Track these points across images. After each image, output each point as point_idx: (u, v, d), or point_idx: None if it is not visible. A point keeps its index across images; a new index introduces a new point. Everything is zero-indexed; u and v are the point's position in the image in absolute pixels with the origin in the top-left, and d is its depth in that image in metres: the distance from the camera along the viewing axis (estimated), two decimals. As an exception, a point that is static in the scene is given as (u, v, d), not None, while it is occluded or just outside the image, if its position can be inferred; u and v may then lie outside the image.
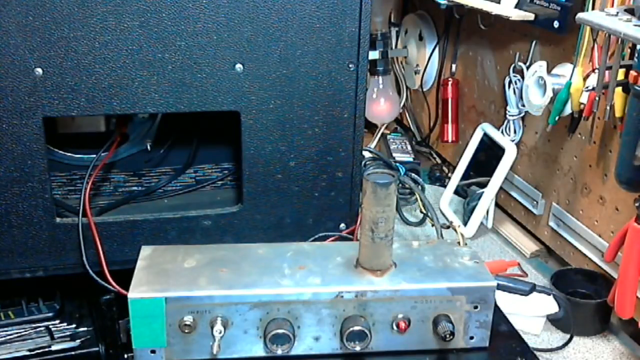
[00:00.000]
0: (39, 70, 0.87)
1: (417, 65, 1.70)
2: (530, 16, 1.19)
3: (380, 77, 1.68)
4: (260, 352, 0.82)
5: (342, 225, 1.06)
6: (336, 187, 1.03)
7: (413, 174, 1.44)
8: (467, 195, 1.41)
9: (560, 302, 1.07)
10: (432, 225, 1.21)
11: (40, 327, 0.94)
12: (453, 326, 0.82)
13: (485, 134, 1.40)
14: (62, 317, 0.96)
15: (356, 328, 0.80)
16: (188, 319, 0.78)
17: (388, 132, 1.75)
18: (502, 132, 1.36)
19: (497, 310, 0.86)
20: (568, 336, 1.07)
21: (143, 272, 0.82)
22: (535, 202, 1.32)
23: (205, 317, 0.79)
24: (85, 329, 0.95)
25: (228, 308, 0.79)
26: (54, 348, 0.91)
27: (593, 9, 1.04)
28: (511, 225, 1.42)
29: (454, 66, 1.58)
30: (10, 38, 0.85)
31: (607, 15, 0.89)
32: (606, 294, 1.05)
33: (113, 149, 1.03)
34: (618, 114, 1.01)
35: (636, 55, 0.93)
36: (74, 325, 0.95)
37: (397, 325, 0.82)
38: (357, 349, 0.82)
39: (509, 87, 1.33)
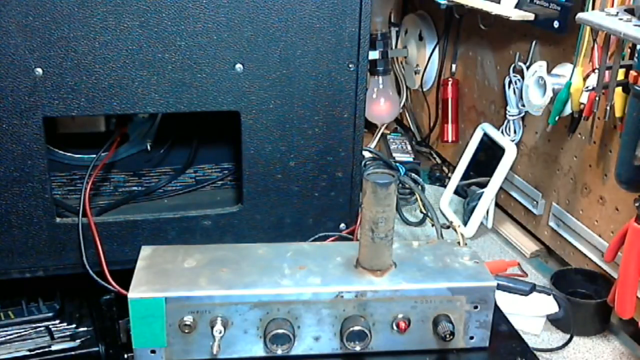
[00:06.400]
0: (39, 70, 0.87)
1: (417, 65, 1.70)
2: (530, 16, 1.19)
3: (380, 77, 1.68)
4: (260, 352, 0.82)
5: (342, 225, 1.06)
6: (336, 187, 1.03)
7: (413, 174, 1.45)
8: (467, 195, 1.41)
9: (560, 302, 1.07)
10: (432, 225, 1.21)
11: (40, 327, 0.94)
12: (453, 326, 0.82)
13: (485, 134, 1.40)
14: (62, 317, 0.96)
15: (356, 328, 0.80)
16: (188, 319, 0.78)
17: (388, 132, 1.75)
18: (502, 132, 1.36)
19: (497, 310, 0.86)
20: (568, 336, 1.07)
21: (143, 272, 0.82)
22: (535, 202, 1.32)
23: (205, 317, 0.79)
24: (85, 329, 0.95)
25: (228, 308, 0.79)
26: (54, 348, 0.91)
27: (593, 9, 1.04)
28: (511, 225, 1.42)
29: (454, 66, 1.58)
30: (10, 38, 0.85)
31: (607, 15, 0.89)
32: (606, 294, 1.05)
33: (113, 149, 1.03)
34: (618, 114, 1.01)
35: (636, 55, 0.94)
36: (74, 325, 0.95)
37: (397, 325, 0.82)
38: (357, 349, 0.82)
39: (509, 87, 1.33)
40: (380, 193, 0.77)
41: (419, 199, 1.30)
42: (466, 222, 1.36)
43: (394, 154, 1.57)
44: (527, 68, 1.25)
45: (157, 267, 0.83)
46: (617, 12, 0.89)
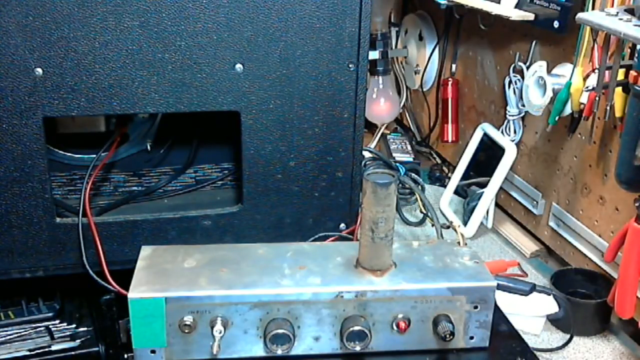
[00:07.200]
0: (39, 70, 0.87)
1: (417, 65, 1.70)
2: (530, 16, 1.19)
3: (380, 77, 1.68)
4: (260, 352, 0.82)
5: (342, 225, 1.06)
6: (336, 187, 1.03)
7: (413, 174, 1.45)
8: (467, 195, 1.41)
9: (560, 302, 1.07)
10: (432, 225, 1.21)
11: (40, 327, 0.94)
12: (453, 326, 0.81)
13: (485, 134, 1.40)
14: (62, 317, 0.96)
15: (356, 328, 0.80)
16: (188, 319, 0.78)
17: (388, 132, 1.75)
18: (502, 132, 1.36)
19: (497, 310, 0.86)
20: (568, 336, 1.07)
21: (143, 272, 0.82)
22: (535, 202, 1.32)
23: (205, 317, 0.79)
24: (85, 329, 0.95)
25: (228, 308, 0.79)
26: (54, 348, 0.91)
27: (593, 9, 1.04)
28: (511, 225, 1.42)
29: (454, 66, 1.58)
30: (10, 38, 0.85)
31: (607, 15, 0.89)
32: (606, 294, 1.05)
33: (113, 149, 1.03)
34: (618, 114, 1.01)
35: (636, 55, 0.94)
36: (74, 325, 0.95)
37: (397, 325, 0.82)
38: (357, 349, 0.82)
39: (509, 87, 1.33)
40: (380, 193, 0.77)
41: (419, 199, 1.30)
42: (466, 222, 1.36)
43: (394, 154, 1.57)
44: (527, 68, 1.25)
45: (157, 267, 0.83)
46: (617, 12, 0.89)
